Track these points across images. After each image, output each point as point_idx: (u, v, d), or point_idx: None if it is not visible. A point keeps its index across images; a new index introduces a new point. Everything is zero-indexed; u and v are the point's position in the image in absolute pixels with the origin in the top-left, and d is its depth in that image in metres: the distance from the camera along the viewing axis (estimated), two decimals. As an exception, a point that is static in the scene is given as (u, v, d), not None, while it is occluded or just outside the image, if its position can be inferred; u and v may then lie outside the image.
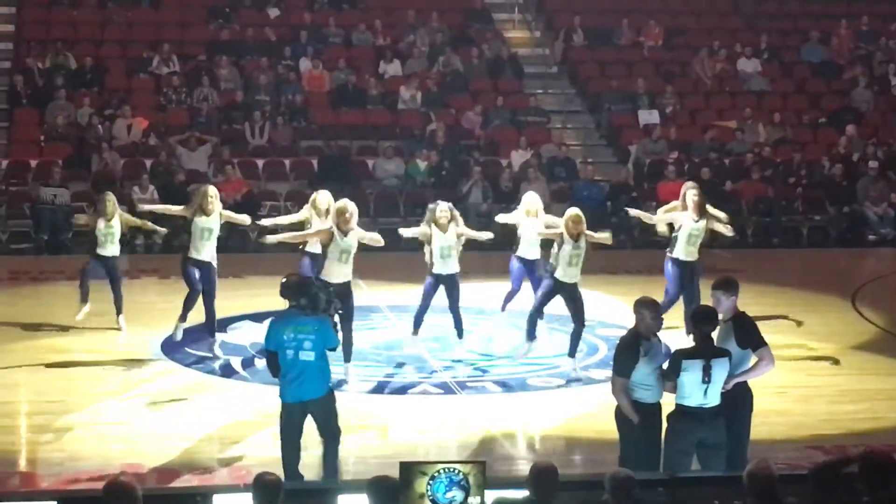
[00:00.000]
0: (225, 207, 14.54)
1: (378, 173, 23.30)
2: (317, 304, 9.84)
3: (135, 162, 22.67)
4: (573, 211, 13.68)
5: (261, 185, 23.02)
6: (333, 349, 10.00)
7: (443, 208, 13.85)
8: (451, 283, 13.87)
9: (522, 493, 7.40)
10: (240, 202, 21.31)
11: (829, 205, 23.77)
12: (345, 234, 12.78)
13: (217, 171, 22.55)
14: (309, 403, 9.71)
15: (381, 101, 25.05)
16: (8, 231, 21.49)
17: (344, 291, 12.57)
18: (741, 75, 26.92)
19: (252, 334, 14.93)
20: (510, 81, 26.26)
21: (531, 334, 13.88)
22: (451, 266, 13.81)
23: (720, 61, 26.89)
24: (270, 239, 13.47)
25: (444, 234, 13.73)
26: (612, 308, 16.35)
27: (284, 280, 10.18)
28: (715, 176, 23.32)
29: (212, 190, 14.12)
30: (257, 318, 15.41)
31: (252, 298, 16.35)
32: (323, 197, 14.17)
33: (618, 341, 9.52)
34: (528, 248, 14.55)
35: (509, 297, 14.99)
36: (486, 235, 14.46)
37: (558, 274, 13.44)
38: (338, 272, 12.72)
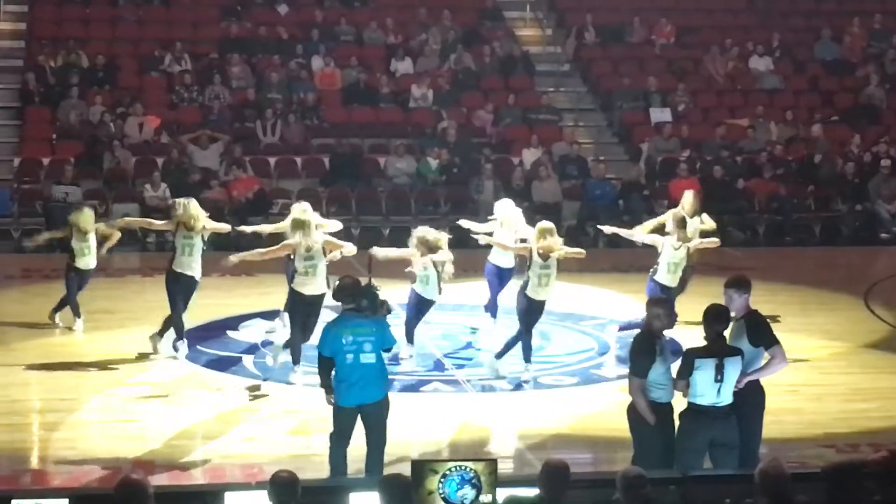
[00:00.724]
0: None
1: (389, 171, 23.28)
2: (377, 306, 9.70)
3: (147, 160, 22.69)
4: (542, 225, 13.14)
5: (272, 183, 23.00)
6: (389, 350, 9.90)
7: (419, 235, 13.48)
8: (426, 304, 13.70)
9: (534, 491, 7.38)
10: (251, 200, 21.37)
11: (841, 203, 23.71)
12: (307, 247, 12.66)
13: (229, 169, 22.55)
14: (366, 407, 9.59)
15: (393, 99, 25.03)
16: (20, 229, 21.49)
17: (314, 303, 12.50)
18: (753, 73, 26.85)
19: (263, 332, 14.95)
20: (522, 79, 26.23)
21: (528, 358, 13.34)
22: (428, 291, 13.53)
23: (732, 59, 26.82)
24: (232, 259, 13.05)
25: (416, 262, 13.45)
26: (623, 306, 16.30)
27: (339, 282, 10.04)
28: (727, 174, 23.28)
29: (191, 204, 13.88)
30: (268, 315, 15.41)
31: (263, 296, 16.33)
32: (300, 209, 13.76)
33: (632, 341, 9.49)
34: (500, 256, 14.47)
35: (493, 306, 14.84)
36: (449, 257, 13.60)
37: (529, 291, 13.01)
38: (310, 284, 12.67)
